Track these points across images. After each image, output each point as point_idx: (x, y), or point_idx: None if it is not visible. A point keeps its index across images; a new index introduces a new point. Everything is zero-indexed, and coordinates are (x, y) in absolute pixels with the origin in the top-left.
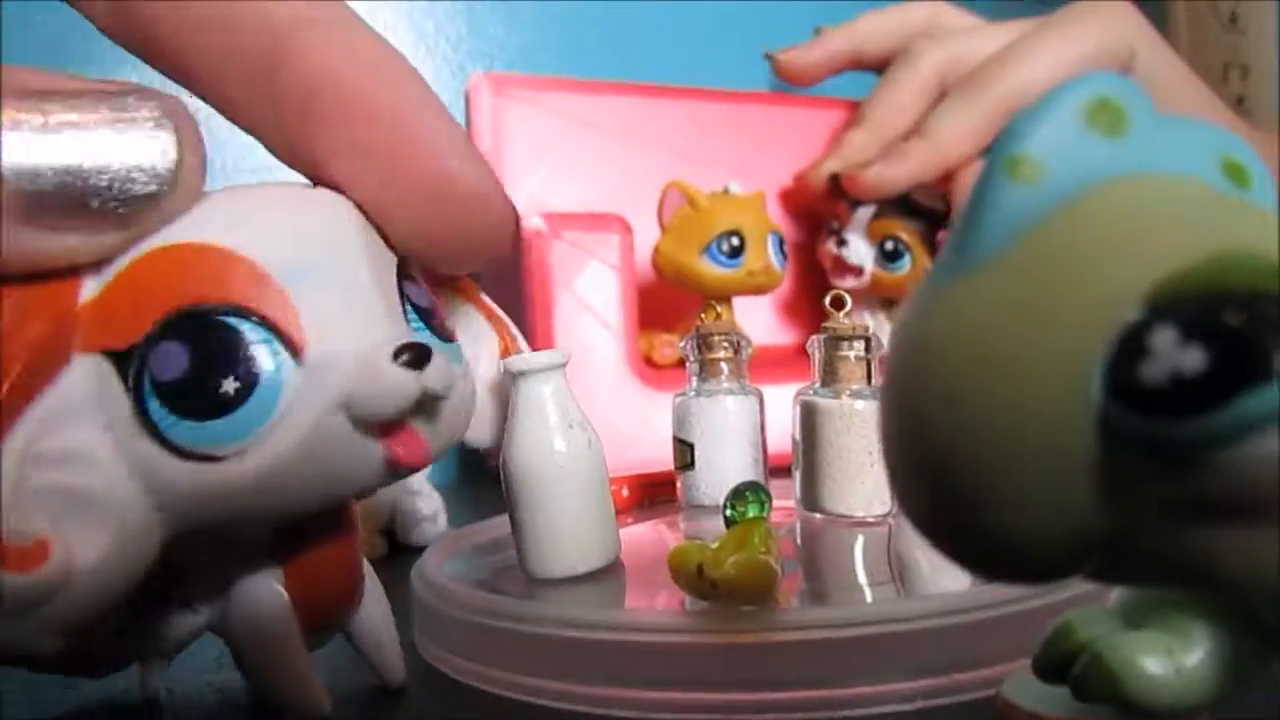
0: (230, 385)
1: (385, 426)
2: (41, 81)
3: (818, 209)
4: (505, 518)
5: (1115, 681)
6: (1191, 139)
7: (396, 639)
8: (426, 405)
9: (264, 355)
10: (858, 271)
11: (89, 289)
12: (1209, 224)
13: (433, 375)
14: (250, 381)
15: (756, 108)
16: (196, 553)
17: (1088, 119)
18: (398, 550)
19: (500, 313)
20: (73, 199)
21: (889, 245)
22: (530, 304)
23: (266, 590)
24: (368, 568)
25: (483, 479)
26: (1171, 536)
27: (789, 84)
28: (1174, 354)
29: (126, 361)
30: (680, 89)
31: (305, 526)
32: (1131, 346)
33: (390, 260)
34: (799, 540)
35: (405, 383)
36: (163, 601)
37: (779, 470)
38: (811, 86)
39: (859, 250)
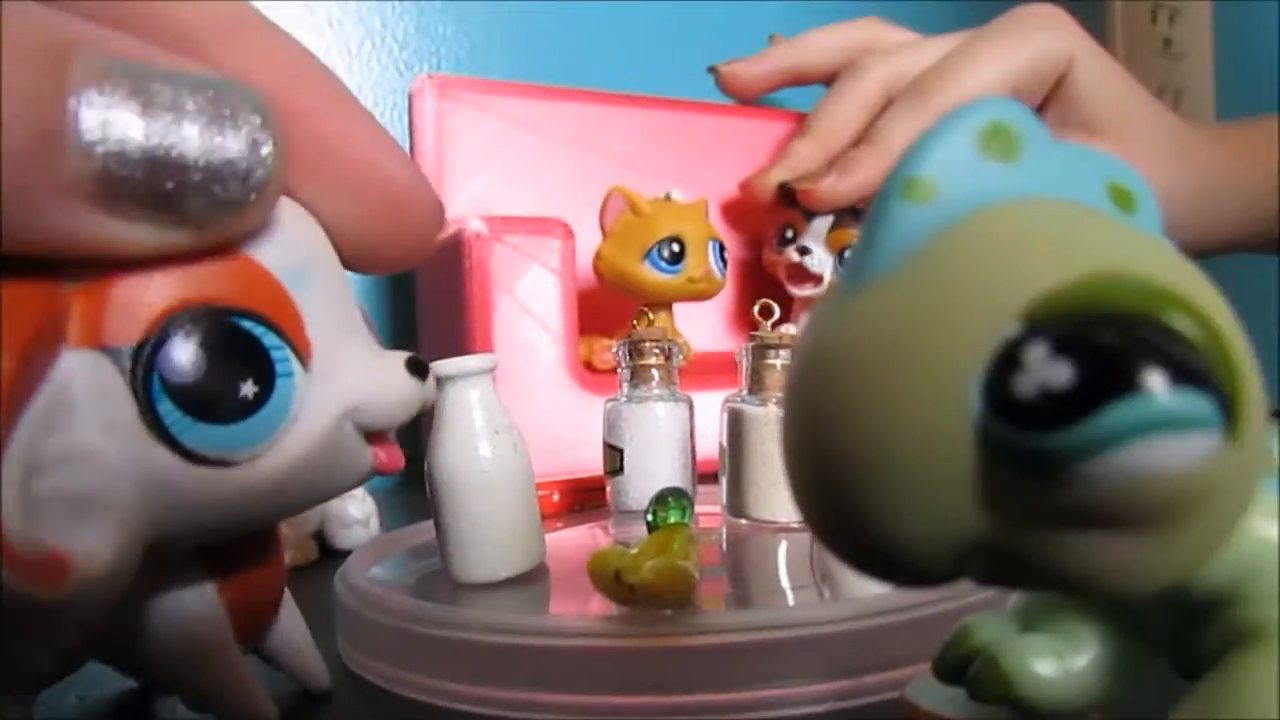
0: (249, 389)
1: (374, 434)
2: (140, 51)
3: (763, 217)
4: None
5: (1007, 683)
6: (1080, 165)
7: (313, 643)
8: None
9: (279, 359)
10: (818, 280)
11: (73, 276)
12: (1089, 246)
13: (429, 387)
14: (267, 385)
15: (701, 116)
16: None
17: (981, 144)
18: (328, 554)
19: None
20: (157, 191)
21: (848, 254)
22: (470, 307)
23: (200, 601)
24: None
25: (415, 482)
26: (1045, 544)
27: (732, 97)
28: (1044, 368)
29: (127, 360)
30: (626, 96)
31: (238, 539)
32: (1007, 361)
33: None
34: (724, 545)
35: (414, 393)
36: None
37: (709, 476)
38: (753, 100)
39: (821, 259)
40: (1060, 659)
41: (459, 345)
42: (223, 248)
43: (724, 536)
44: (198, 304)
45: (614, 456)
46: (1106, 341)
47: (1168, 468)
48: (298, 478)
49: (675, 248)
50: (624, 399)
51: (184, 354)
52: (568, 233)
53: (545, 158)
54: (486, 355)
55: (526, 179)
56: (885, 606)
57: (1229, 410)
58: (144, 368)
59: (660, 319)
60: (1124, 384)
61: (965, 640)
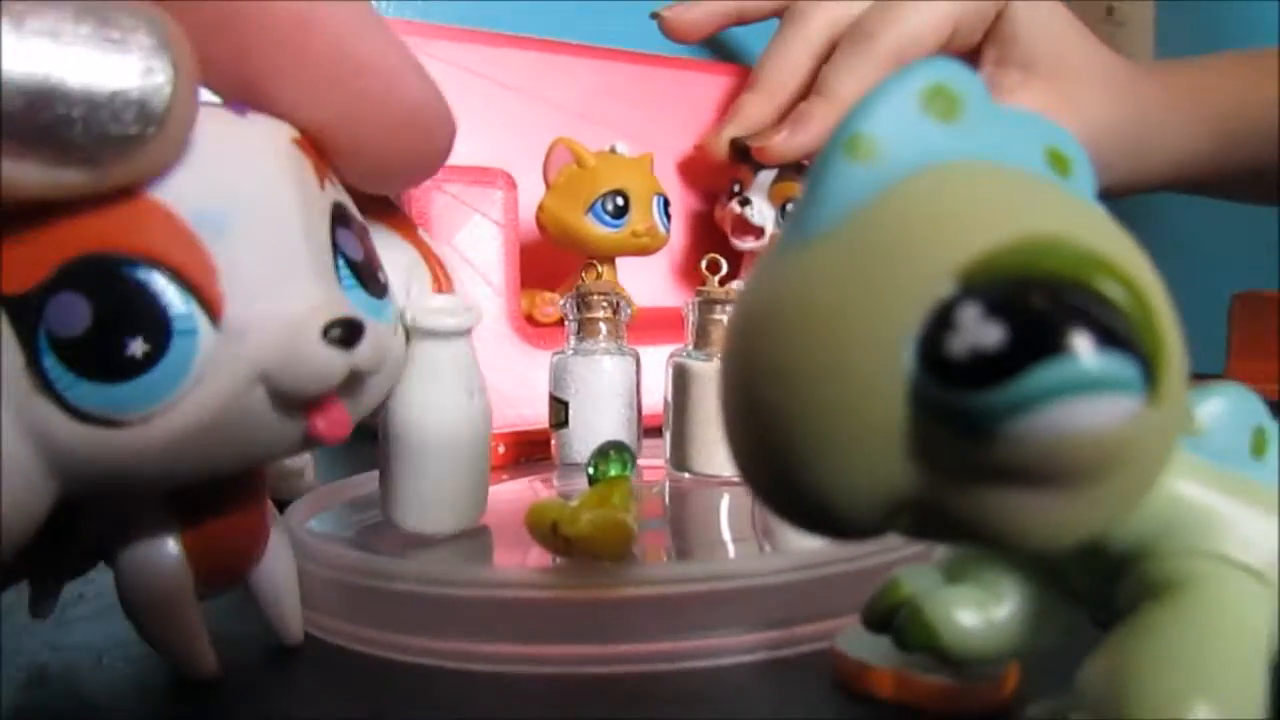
0: (137, 347)
1: (307, 400)
2: None
3: (712, 172)
4: (376, 473)
5: (930, 633)
6: (1020, 129)
7: (296, 594)
8: (353, 380)
9: (177, 315)
10: (759, 232)
11: None
12: (1024, 210)
13: (364, 353)
14: (160, 344)
15: (649, 69)
16: (86, 516)
17: (924, 104)
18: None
19: (434, 249)
20: (38, 125)
21: (790, 207)
22: None
23: (161, 551)
24: (275, 520)
25: (358, 431)
26: (971, 500)
27: (675, 41)
28: (975, 329)
29: (20, 308)
30: (573, 45)
31: (209, 486)
32: (940, 321)
33: (324, 206)
34: (667, 499)
35: (333, 362)
36: (52, 563)
37: (654, 430)
38: (696, 43)
39: (762, 211)
40: (982, 610)
41: None
42: (126, 190)
43: (667, 490)
44: (90, 253)
45: (559, 409)
46: (1036, 305)
47: (1090, 428)
48: (202, 440)
49: (619, 201)
50: (570, 352)
51: (68, 307)
52: (510, 184)
53: (488, 106)
54: (467, 312)
55: (469, 128)
56: (818, 559)
57: (1150, 374)
58: (31, 319)
59: (605, 273)
60: (1051, 346)
61: (893, 591)
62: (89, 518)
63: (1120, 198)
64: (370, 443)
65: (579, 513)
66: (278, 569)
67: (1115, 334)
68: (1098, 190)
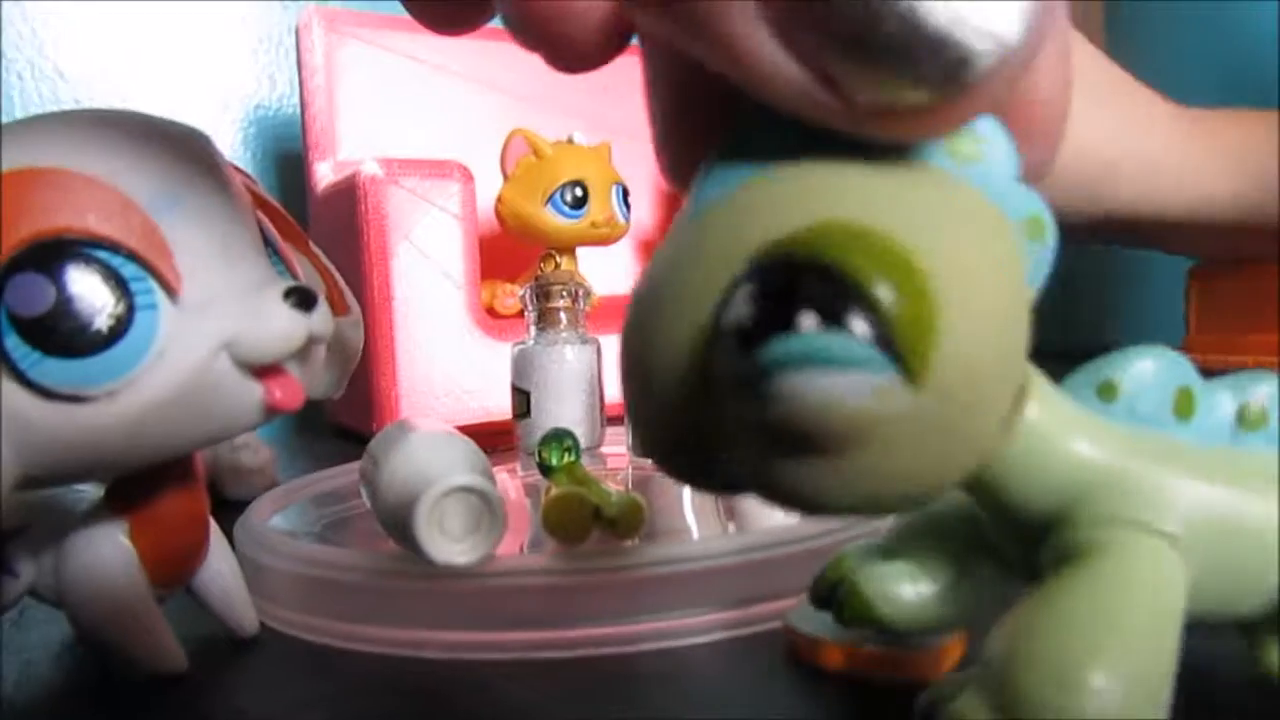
0: (102, 322)
1: (264, 369)
2: None
3: None
4: (339, 469)
5: (866, 605)
6: None
7: (244, 589)
8: (306, 348)
9: (138, 291)
10: None
11: None
12: (843, 200)
13: (318, 319)
14: (124, 318)
15: None
16: (6, 521)
17: None
18: (222, 505)
19: (328, 264)
20: (897, 47)
21: None
22: (367, 253)
23: (110, 545)
24: (210, 519)
25: (320, 429)
26: (756, 462)
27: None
28: (741, 304)
29: None
30: None
31: (150, 475)
32: (730, 294)
33: (247, 198)
34: (630, 485)
35: (295, 326)
36: None
37: (618, 419)
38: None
39: None
40: (916, 583)
41: (356, 295)
42: (84, 175)
43: (630, 476)
44: (50, 235)
45: (521, 400)
46: (781, 284)
47: (820, 398)
48: (166, 413)
49: (578, 192)
50: (531, 342)
51: (30, 287)
52: (467, 176)
53: (443, 98)
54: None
55: (422, 119)
56: (772, 540)
57: (902, 357)
58: None
59: (564, 263)
60: (784, 321)
61: (835, 568)
62: (8, 538)
63: (1129, 233)
64: (332, 438)
65: (604, 495)
66: (222, 567)
67: (853, 315)
68: (1102, 216)
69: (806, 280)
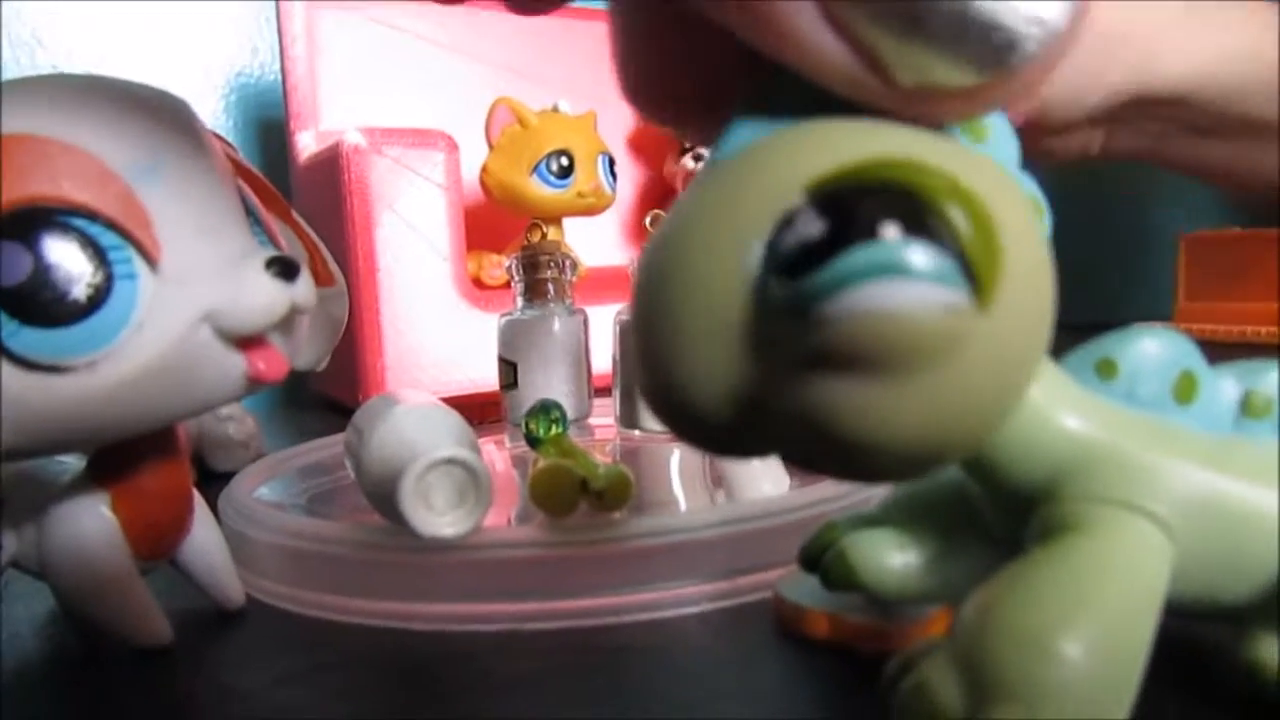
0: (81, 291)
1: (247, 340)
2: None
3: (658, 130)
4: (324, 441)
5: (851, 571)
6: None
7: (230, 561)
8: (288, 318)
9: (116, 261)
10: None
11: None
12: (885, 140)
13: (301, 289)
14: (103, 288)
15: (591, 24)
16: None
17: None
18: (207, 478)
19: (312, 234)
20: (947, 30)
21: None
22: (351, 224)
23: (92, 516)
24: (195, 492)
25: (305, 400)
26: (802, 393)
27: None
28: (805, 225)
29: None
30: None
31: (132, 447)
32: (784, 225)
33: (228, 167)
34: (618, 456)
35: (278, 296)
36: None
37: (605, 390)
38: None
39: None
40: (903, 553)
41: (340, 266)
42: (61, 142)
43: (618, 447)
44: (26, 203)
45: (508, 371)
46: (855, 199)
47: (897, 310)
48: (148, 384)
49: (564, 161)
50: (518, 313)
51: (8, 256)
52: (451, 145)
53: (427, 66)
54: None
55: (407, 89)
56: (759, 512)
57: (975, 276)
58: None
59: (550, 234)
60: (861, 231)
61: (824, 534)
62: None
63: (1124, 121)
64: (317, 409)
65: (591, 467)
66: (207, 539)
67: (926, 227)
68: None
69: (884, 197)
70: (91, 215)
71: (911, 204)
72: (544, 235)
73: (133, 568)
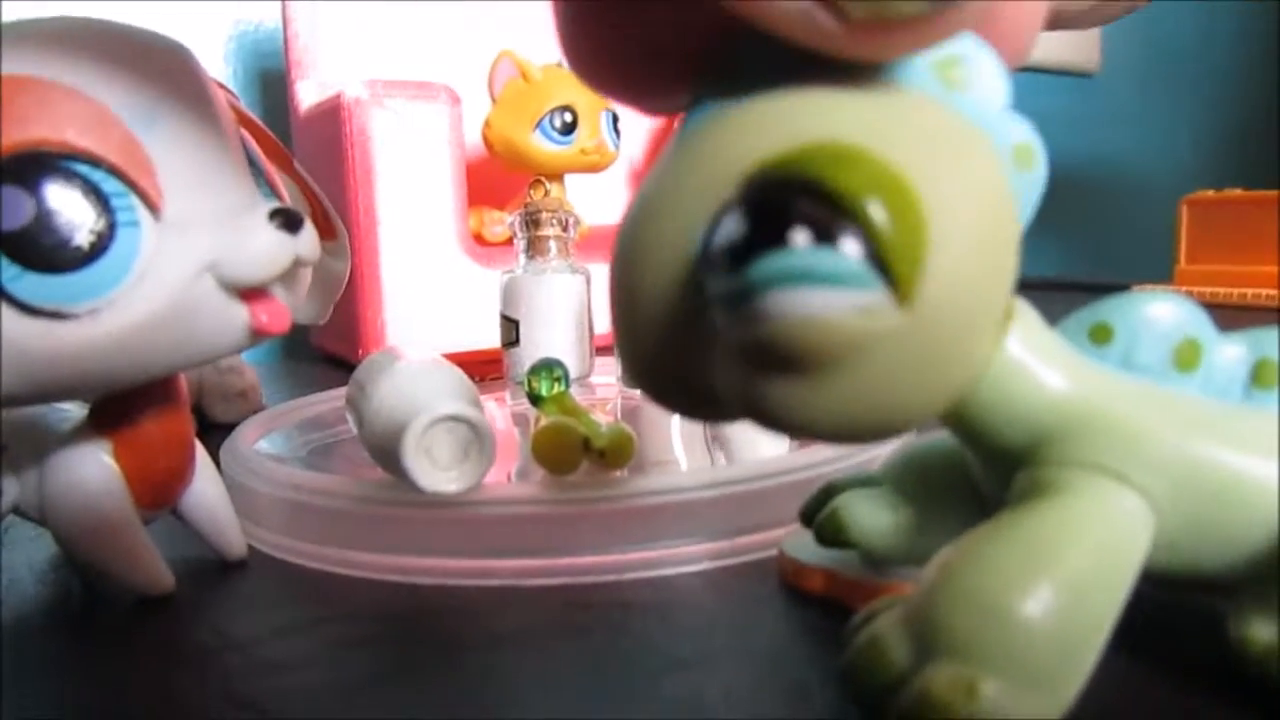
0: (83, 238)
1: (249, 291)
2: None
3: None
4: (324, 395)
5: (843, 527)
6: None
7: (232, 511)
8: (292, 271)
9: (119, 208)
10: None
11: None
12: (831, 121)
13: (305, 241)
14: (105, 235)
15: None
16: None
17: None
18: (207, 428)
19: (314, 186)
20: None
21: None
22: (351, 176)
23: (94, 464)
24: (196, 441)
25: (305, 354)
26: (743, 384)
27: None
28: (730, 224)
29: None
30: None
31: (134, 395)
32: (716, 221)
33: (231, 116)
34: (619, 415)
35: (281, 248)
36: None
37: (607, 349)
38: None
39: None
40: (896, 513)
41: (341, 219)
42: (64, 86)
43: (619, 406)
44: (28, 147)
45: (510, 328)
46: (772, 201)
47: (809, 315)
48: (149, 334)
49: (567, 118)
50: (520, 271)
51: (9, 201)
52: (454, 98)
53: (429, 17)
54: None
55: (409, 40)
56: (761, 472)
57: (892, 277)
58: None
59: (553, 190)
60: (773, 238)
61: (826, 493)
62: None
63: None
64: (316, 363)
65: (593, 426)
66: (208, 489)
67: (844, 233)
68: None
69: (798, 199)
70: (94, 161)
71: (828, 199)
72: (547, 192)
73: (134, 515)
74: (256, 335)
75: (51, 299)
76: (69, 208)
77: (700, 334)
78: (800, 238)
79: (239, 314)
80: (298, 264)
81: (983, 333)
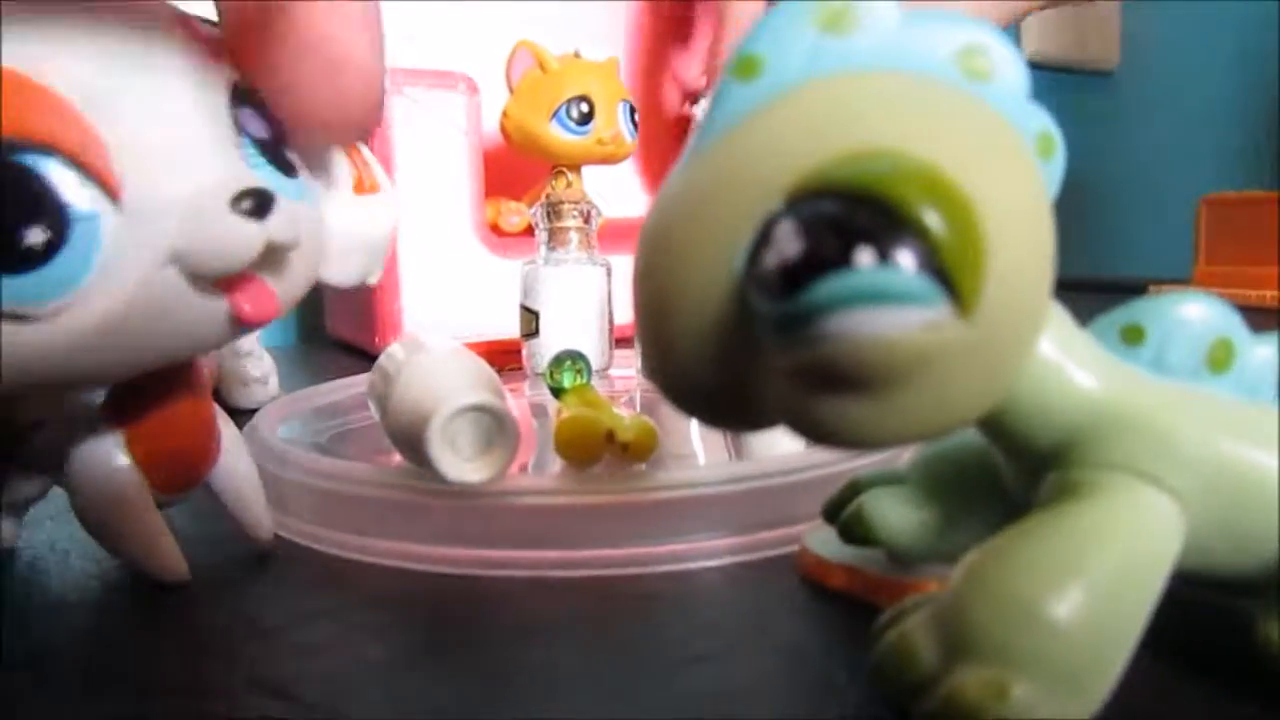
0: (36, 236)
1: (228, 280)
2: None
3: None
4: (344, 381)
5: (866, 526)
6: (928, 36)
7: (261, 491)
8: (273, 255)
9: (74, 200)
10: None
11: None
12: (871, 123)
13: (278, 224)
14: (60, 231)
15: None
16: (22, 417)
17: (815, 19)
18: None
19: (361, 148)
20: None
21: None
22: None
23: (105, 454)
24: (225, 420)
25: (321, 341)
26: (796, 400)
27: None
28: (783, 243)
29: None
30: None
31: (145, 385)
32: (764, 235)
33: (220, 84)
34: (639, 407)
35: (247, 233)
36: None
37: (627, 340)
38: None
39: None
40: (920, 510)
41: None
42: (9, 71)
43: (639, 399)
44: None
45: (530, 319)
46: (828, 219)
47: (875, 336)
48: (119, 332)
49: (584, 108)
50: (541, 262)
51: None
52: (472, 87)
53: (449, 7)
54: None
55: (429, 30)
56: (784, 467)
57: (955, 289)
58: None
59: (573, 181)
60: (836, 258)
61: (850, 487)
62: (24, 445)
63: None
64: (332, 351)
65: (617, 419)
66: (238, 468)
67: (905, 248)
68: None
69: (854, 213)
70: (45, 149)
71: (888, 214)
72: (569, 183)
73: (148, 504)
74: (240, 325)
75: (11, 300)
76: (21, 204)
77: (742, 346)
78: (865, 257)
79: (217, 305)
80: (274, 249)
81: (1035, 335)
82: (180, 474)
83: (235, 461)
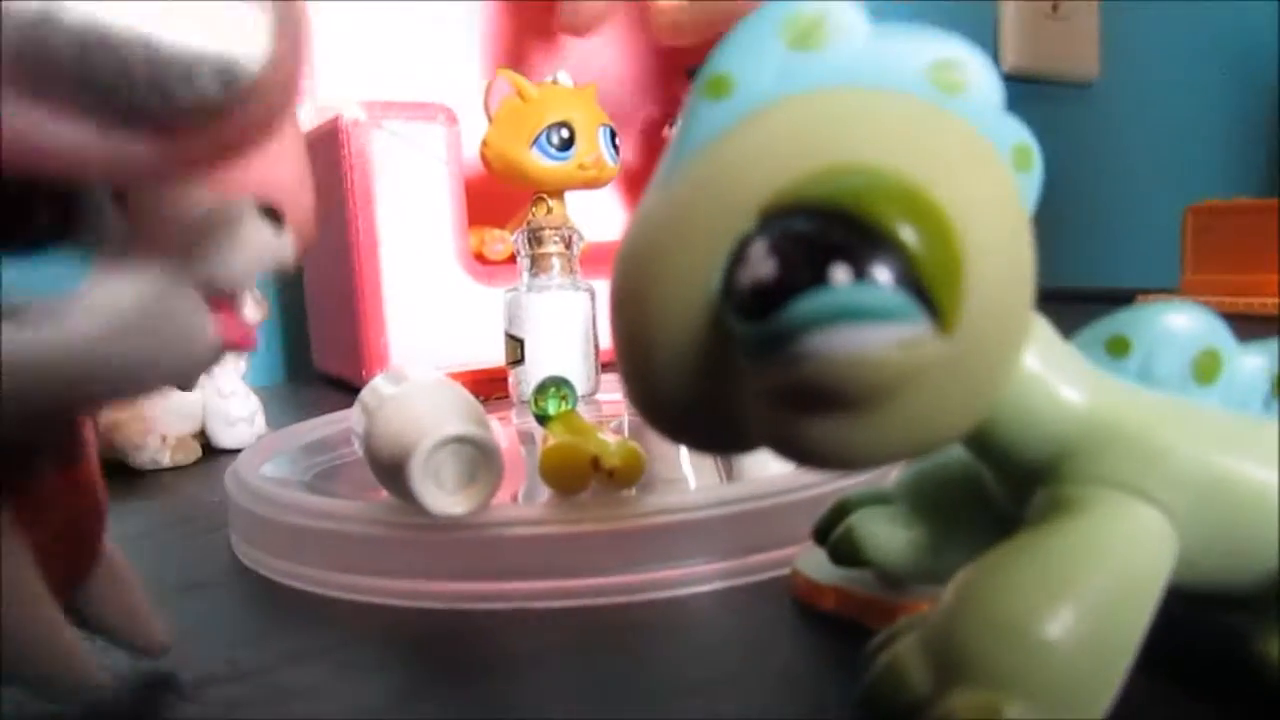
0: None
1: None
2: None
3: (666, 100)
4: (328, 418)
5: (857, 546)
6: (900, 50)
7: (144, 599)
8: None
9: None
10: None
11: None
12: (844, 140)
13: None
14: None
15: None
16: None
17: (784, 36)
18: (211, 453)
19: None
20: (93, 80)
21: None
22: (351, 198)
23: None
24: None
25: (309, 377)
26: (777, 421)
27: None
28: (758, 263)
29: None
30: None
31: (29, 449)
32: (739, 255)
33: None
34: (627, 433)
35: (270, 244)
36: None
37: (612, 364)
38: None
39: None
40: (910, 530)
41: (341, 240)
42: None
43: (626, 424)
44: None
45: (515, 347)
46: (803, 237)
47: (854, 354)
48: (110, 346)
49: (564, 134)
50: (524, 289)
51: None
52: (451, 118)
53: (425, 38)
54: None
55: (406, 62)
56: (772, 490)
57: (934, 305)
58: None
59: (554, 207)
60: (811, 277)
61: (839, 510)
62: None
63: None
64: (321, 386)
65: (602, 445)
66: (118, 573)
67: (882, 264)
68: None
69: (828, 232)
70: None
71: (862, 230)
72: (550, 209)
73: (49, 599)
74: (225, 348)
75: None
76: None
77: (722, 368)
78: (841, 274)
79: (204, 328)
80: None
81: (1018, 348)
82: (76, 563)
83: (114, 566)
